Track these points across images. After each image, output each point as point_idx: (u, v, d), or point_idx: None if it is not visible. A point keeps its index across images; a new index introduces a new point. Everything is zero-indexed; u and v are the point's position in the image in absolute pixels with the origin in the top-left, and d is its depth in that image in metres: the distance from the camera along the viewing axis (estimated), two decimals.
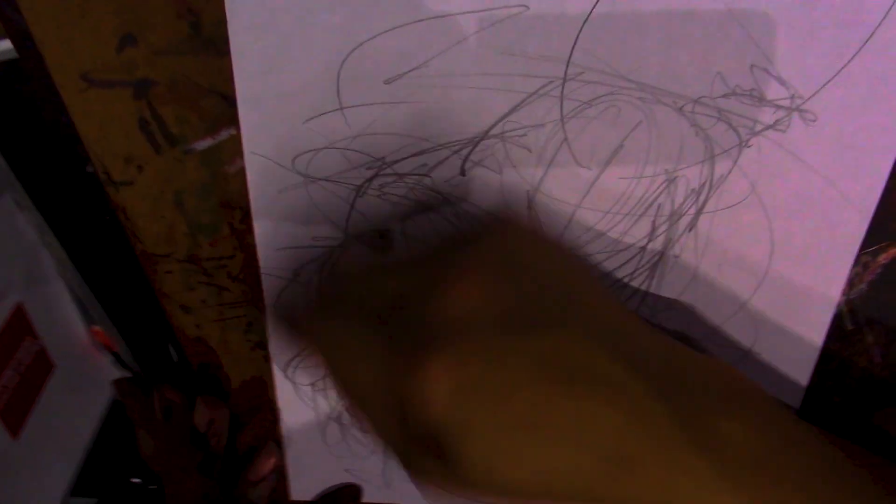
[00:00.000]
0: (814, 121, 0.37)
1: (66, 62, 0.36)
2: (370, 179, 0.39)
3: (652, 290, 0.43)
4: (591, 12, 0.34)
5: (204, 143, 0.38)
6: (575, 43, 0.35)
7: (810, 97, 0.36)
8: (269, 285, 0.42)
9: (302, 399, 0.47)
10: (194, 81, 0.36)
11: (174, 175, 0.39)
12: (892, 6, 0.34)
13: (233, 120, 0.37)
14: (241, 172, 0.39)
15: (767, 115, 0.37)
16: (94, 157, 0.39)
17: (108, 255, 0.43)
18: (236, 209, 0.40)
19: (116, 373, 0.50)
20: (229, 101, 0.37)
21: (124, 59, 0.35)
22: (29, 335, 0.44)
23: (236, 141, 0.38)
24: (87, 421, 0.51)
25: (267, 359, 0.46)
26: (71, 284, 0.44)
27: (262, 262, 0.41)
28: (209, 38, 0.35)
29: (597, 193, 0.39)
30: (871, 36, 0.35)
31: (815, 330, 0.44)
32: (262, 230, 0.40)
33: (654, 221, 0.40)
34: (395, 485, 0.51)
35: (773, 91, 0.36)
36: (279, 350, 0.45)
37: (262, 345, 0.45)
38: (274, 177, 0.39)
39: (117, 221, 0.41)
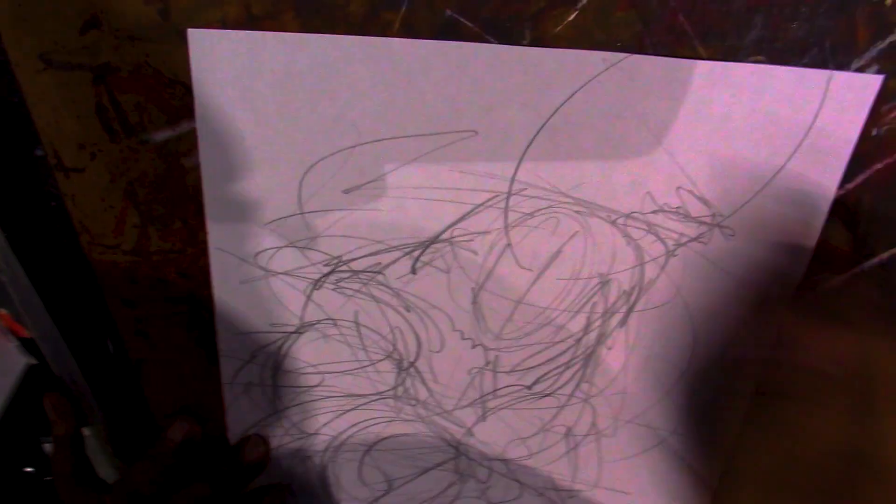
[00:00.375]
0: (732, 235, 0.41)
1: (24, 40, 0.34)
2: (327, 275, 0.42)
3: (585, 378, 0.46)
4: (533, 139, 0.37)
5: (163, 134, 0.37)
6: (519, 164, 0.38)
7: (729, 215, 0.40)
8: (226, 366, 0.45)
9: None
10: (158, 70, 0.35)
11: (128, 164, 0.38)
12: (800, 143, 0.38)
13: (194, 112, 0.36)
14: (198, 166, 0.38)
15: (692, 230, 0.41)
16: (46, 140, 0.37)
17: (50, 243, 0.41)
18: (191, 203, 0.39)
19: (22, 359, 0.46)
20: (193, 92, 0.36)
21: (87, 41, 0.34)
22: None
23: (196, 134, 0.37)
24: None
25: (210, 358, 0.45)
26: (5, 270, 0.40)
27: (220, 346, 0.44)
28: (176, 27, 0.34)
29: (537, 292, 0.43)
30: (783, 166, 0.39)
31: (732, 415, 0.48)
32: (223, 316, 0.43)
33: (588, 317, 0.44)
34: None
35: (697, 209, 0.40)
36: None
37: (203, 341, 0.44)
38: (236, 269, 0.41)
39: (63, 209, 0.39)
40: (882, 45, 0.36)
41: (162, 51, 0.34)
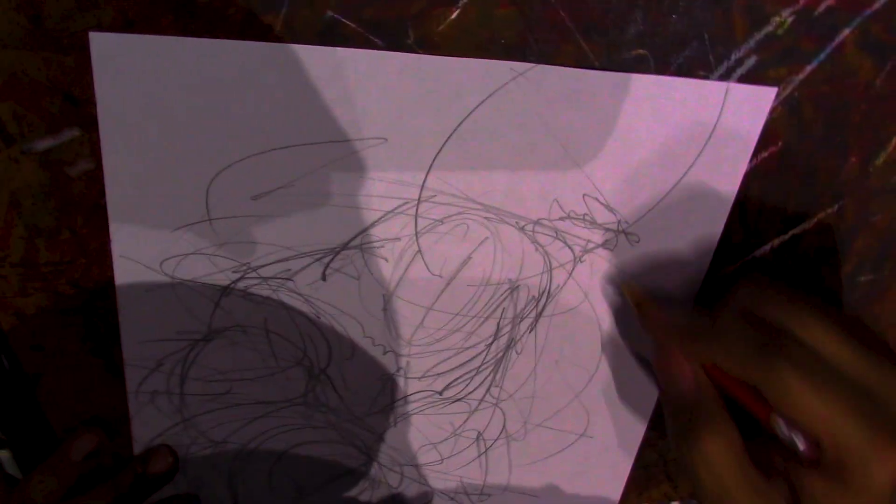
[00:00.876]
0: (637, 241, 0.42)
1: None
2: (235, 282, 0.41)
3: (496, 383, 0.47)
4: (442, 147, 0.38)
5: (43, 143, 0.36)
6: (428, 171, 0.39)
7: (634, 222, 0.41)
8: (131, 375, 0.44)
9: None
10: (34, 78, 0.34)
11: (10, 175, 0.37)
12: (701, 152, 0.39)
13: (76, 120, 0.36)
14: (84, 175, 0.37)
15: (598, 236, 0.42)
16: None
17: None
18: (77, 213, 0.39)
19: None
20: (74, 100, 0.35)
21: None
22: None
23: (80, 142, 0.36)
24: None
25: (108, 368, 0.44)
26: None
27: (125, 354, 0.43)
28: (51, 34, 0.33)
29: (447, 298, 0.43)
30: (685, 174, 0.40)
31: (639, 416, 0.49)
32: (127, 324, 0.42)
33: (498, 323, 0.45)
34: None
35: (603, 216, 0.41)
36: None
37: (100, 351, 0.43)
38: (141, 276, 0.40)
39: None
40: (759, 35, 0.37)
41: (37, 58, 0.34)
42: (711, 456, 0.35)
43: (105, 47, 0.33)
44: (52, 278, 0.40)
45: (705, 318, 0.39)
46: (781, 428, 0.34)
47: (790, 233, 0.43)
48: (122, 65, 0.33)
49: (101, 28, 0.32)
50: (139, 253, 0.39)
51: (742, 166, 0.41)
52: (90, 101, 0.34)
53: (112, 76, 0.34)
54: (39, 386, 0.43)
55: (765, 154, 0.40)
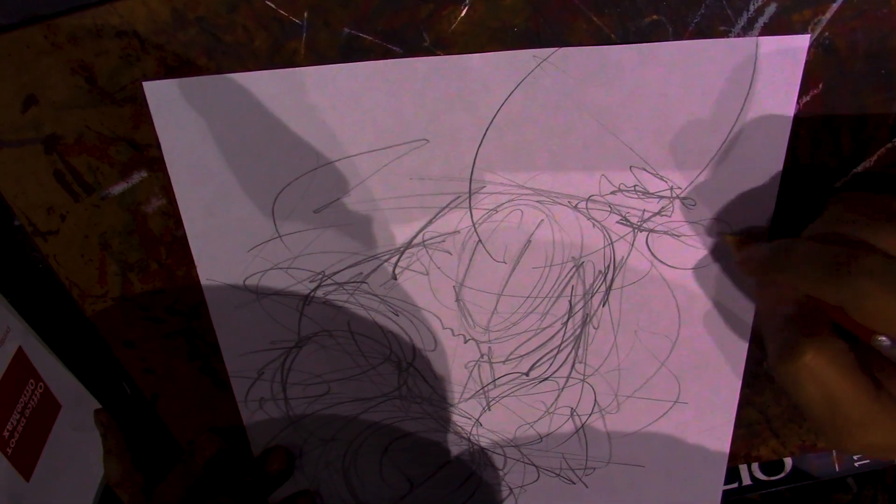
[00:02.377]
0: (694, 205, 0.42)
1: None
2: (314, 290, 0.44)
3: (579, 359, 0.48)
4: (482, 140, 0.40)
5: (118, 188, 0.41)
6: (473, 165, 0.41)
7: (687, 187, 0.42)
8: (237, 386, 0.48)
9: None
10: (98, 131, 0.39)
11: (95, 220, 0.41)
12: (741, 110, 0.39)
13: (142, 163, 0.40)
14: (159, 211, 0.42)
15: (653, 205, 0.42)
16: (18, 210, 0.41)
17: (47, 302, 0.45)
18: (159, 245, 0.43)
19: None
20: (136, 145, 0.39)
21: (29, 118, 0.38)
22: (32, 377, 0.45)
23: (149, 182, 0.40)
24: (98, 457, 0.50)
25: (216, 382, 0.48)
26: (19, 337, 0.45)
27: (228, 366, 0.47)
28: (105, 89, 0.37)
29: (515, 282, 0.45)
30: (728, 133, 0.40)
31: (732, 376, 0.49)
32: (225, 340, 0.46)
33: (570, 300, 0.46)
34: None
35: (654, 185, 0.42)
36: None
37: (206, 368, 0.48)
38: (229, 296, 0.44)
39: (51, 269, 0.43)
40: None
41: (98, 113, 0.38)
42: (817, 367, 0.32)
43: (158, 94, 0.37)
44: (150, 307, 0.44)
45: (785, 246, 0.37)
46: (884, 345, 0.32)
47: (851, 173, 0.42)
48: (176, 107, 0.37)
49: (146, 77, 0.36)
50: (223, 275, 0.43)
51: (788, 117, 0.40)
52: (151, 145, 0.38)
53: (169, 119, 0.38)
54: (158, 406, 0.48)
55: (806, 98, 0.39)
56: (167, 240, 0.42)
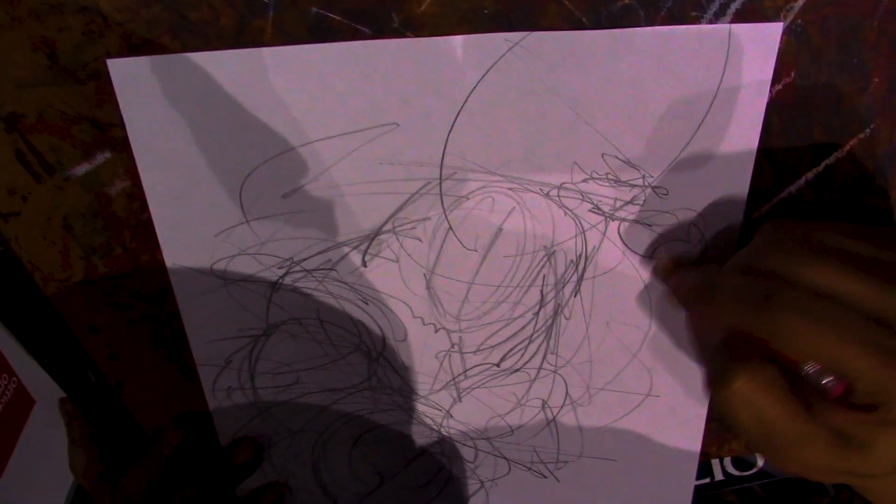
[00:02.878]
0: (666, 194, 0.42)
1: None
2: (282, 277, 0.44)
3: (551, 350, 0.47)
4: (453, 124, 0.39)
5: (81, 169, 0.40)
6: (444, 149, 0.40)
7: (659, 176, 0.42)
8: (205, 374, 0.47)
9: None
10: (60, 110, 0.38)
11: (58, 201, 0.40)
12: (714, 97, 0.39)
13: (106, 143, 0.39)
14: (123, 193, 0.41)
15: (625, 193, 0.42)
16: None
17: (9, 287, 0.44)
18: (124, 229, 0.42)
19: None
20: (99, 125, 0.39)
21: None
22: (5, 372, 0.44)
23: (113, 164, 0.40)
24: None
25: (183, 371, 0.47)
26: None
27: (195, 354, 0.46)
28: (67, 67, 0.36)
29: (486, 271, 0.45)
30: (702, 122, 0.40)
31: (703, 370, 0.49)
32: (192, 327, 0.45)
33: (542, 290, 0.45)
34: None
35: (626, 173, 0.42)
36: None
37: (173, 356, 0.47)
38: (196, 281, 0.43)
39: (12, 252, 0.42)
40: None
41: (61, 91, 0.37)
42: (749, 393, 0.34)
43: (124, 72, 0.36)
44: (114, 292, 0.43)
45: (710, 279, 0.38)
46: (811, 374, 0.33)
47: (823, 164, 0.42)
48: (142, 86, 0.37)
49: (110, 55, 0.36)
50: (189, 259, 0.42)
51: (761, 106, 0.40)
52: (115, 125, 0.38)
53: (134, 99, 0.37)
54: (124, 394, 0.47)
55: (779, 87, 0.39)
56: (132, 223, 0.41)
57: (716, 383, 0.35)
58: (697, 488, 0.56)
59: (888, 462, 0.32)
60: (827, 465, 0.34)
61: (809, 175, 0.42)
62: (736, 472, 0.59)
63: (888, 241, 0.34)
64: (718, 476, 0.58)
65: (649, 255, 0.44)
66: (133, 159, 0.39)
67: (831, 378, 0.32)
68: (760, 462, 0.58)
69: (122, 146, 0.38)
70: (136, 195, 0.40)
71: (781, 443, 0.34)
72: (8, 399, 0.44)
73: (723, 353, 0.36)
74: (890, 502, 0.35)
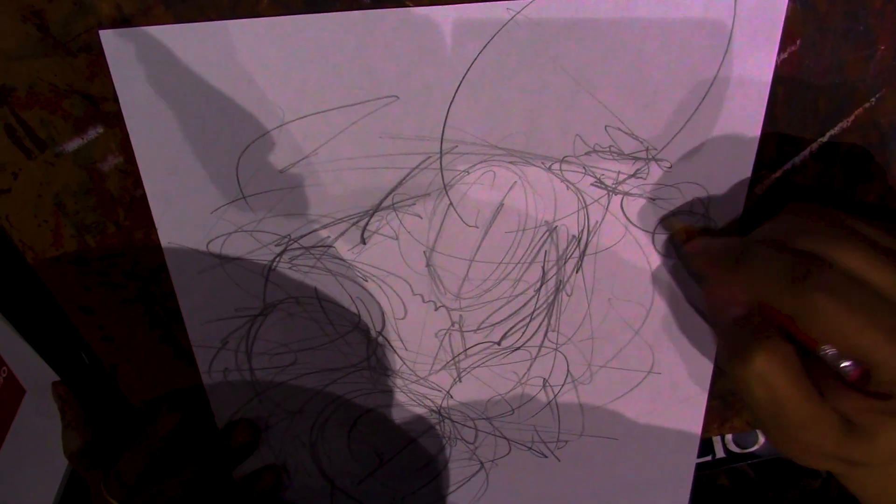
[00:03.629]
0: (669, 167, 0.41)
1: None
2: (280, 255, 0.43)
3: (552, 327, 0.47)
4: (454, 97, 0.38)
5: (73, 144, 0.38)
6: (445, 122, 0.39)
7: (663, 148, 0.41)
8: (201, 355, 0.46)
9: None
10: (51, 83, 0.37)
11: (50, 178, 0.39)
12: (719, 67, 0.38)
13: (98, 118, 0.37)
14: (116, 169, 0.39)
15: (628, 166, 0.42)
16: None
17: (2, 268, 0.42)
18: (117, 206, 0.41)
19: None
20: (91, 99, 0.37)
21: None
22: None
23: (105, 139, 0.38)
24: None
25: (178, 353, 0.46)
26: None
27: (190, 335, 0.45)
28: (58, 39, 0.35)
29: (487, 247, 0.44)
30: (706, 92, 0.39)
31: (706, 347, 0.49)
32: (187, 307, 0.44)
33: (543, 266, 0.45)
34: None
35: (629, 145, 0.41)
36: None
37: (167, 338, 0.46)
38: (191, 260, 0.43)
39: (3, 230, 0.41)
40: None
41: (51, 63, 0.36)
42: (766, 372, 0.34)
43: (117, 45, 0.35)
44: (108, 271, 0.42)
45: (742, 247, 0.38)
46: (829, 356, 0.33)
47: (828, 134, 0.42)
48: (135, 58, 0.36)
49: (102, 26, 0.34)
50: (184, 237, 0.41)
51: (767, 75, 0.40)
52: (107, 98, 0.36)
53: (128, 72, 0.36)
54: (118, 376, 0.46)
55: (784, 56, 0.39)
56: (125, 200, 0.40)
57: (734, 358, 0.35)
58: (698, 466, 0.55)
59: (888, 452, 0.33)
60: (829, 449, 0.34)
61: (814, 146, 0.42)
62: (737, 450, 0.58)
63: None
64: (720, 454, 0.58)
65: (652, 229, 0.44)
66: (126, 134, 0.37)
67: (850, 363, 0.32)
68: (762, 439, 0.58)
69: (114, 121, 0.37)
70: (130, 171, 0.39)
71: (790, 422, 0.34)
72: None
73: (742, 329, 0.36)
74: (873, 492, 0.36)
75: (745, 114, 0.40)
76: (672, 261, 0.45)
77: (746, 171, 0.42)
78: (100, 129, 0.38)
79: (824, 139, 0.42)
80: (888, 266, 0.32)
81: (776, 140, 0.41)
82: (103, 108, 0.37)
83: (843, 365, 0.32)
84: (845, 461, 0.35)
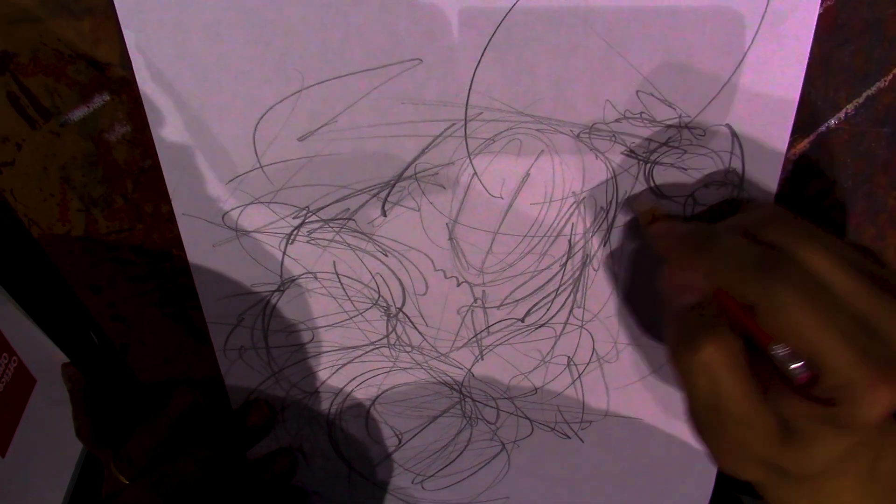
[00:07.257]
0: (702, 135, 0.40)
1: None
2: (297, 227, 0.41)
3: (578, 304, 0.45)
4: (480, 60, 0.37)
5: (79, 113, 0.37)
6: (470, 87, 0.38)
7: (697, 115, 0.39)
8: (215, 333, 0.45)
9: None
10: (55, 48, 0.35)
11: (55, 150, 0.37)
12: (757, 30, 0.37)
13: (104, 85, 0.36)
14: (123, 140, 0.38)
15: (660, 134, 0.40)
16: None
17: (5, 243, 0.41)
18: (126, 178, 0.39)
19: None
20: (96, 64, 0.36)
21: None
22: (5, 351, 0.42)
23: (112, 107, 0.37)
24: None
25: (190, 331, 0.45)
26: None
27: (205, 312, 0.44)
28: (61, 1, 0.34)
29: (512, 220, 0.42)
30: (743, 57, 0.37)
31: None
32: (202, 282, 0.43)
33: (570, 240, 0.43)
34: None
35: (662, 112, 0.39)
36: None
37: (179, 316, 0.44)
38: (206, 233, 0.41)
39: (7, 205, 0.39)
40: None
41: (55, 27, 0.34)
42: (711, 362, 0.33)
43: (129, 5, 0.34)
44: (117, 247, 0.41)
45: (709, 233, 0.37)
46: (779, 354, 0.32)
47: (864, 95, 0.40)
48: (148, 19, 0.34)
49: None
50: (199, 209, 0.40)
51: (807, 37, 0.38)
52: (112, 64, 0.35)
53: (140, 34, 0.34)
54: (129, 356, 0.45)
55: (820, 11, 0.37)
56: (133, 171, 0.38)
57: (681, 345, 0.35)
58: None
59: (819, 463, 0.32)
60: (761, 452, 0.33)
61: (850, 108, 0.40)
62: None
63: (880, 260, 0.35)
64: None
65: (683, 201, 0.42)
66: (133, 102, 0.36)
67: (800, 364, 0.32)
68: None
69: (121, 87, 0.35)
70: (138, 141, 0.37)
71: (726, 417, 0.33)
72: (9, 379, 0.42)
73: (693, 317, 0.35)
74: None
75: (784, 77, 0.38)
76: None
77: (784, 140, 0.40)
78: (106, 97, 0.36)
79: (860, 100, 0.40)
80: (852, 275, 0.32)
81: (811, 101, 0.39)
82: (109, 74, 0.35)
83: (792, 367, 0.32)
84: (774, 469, 0.34)
